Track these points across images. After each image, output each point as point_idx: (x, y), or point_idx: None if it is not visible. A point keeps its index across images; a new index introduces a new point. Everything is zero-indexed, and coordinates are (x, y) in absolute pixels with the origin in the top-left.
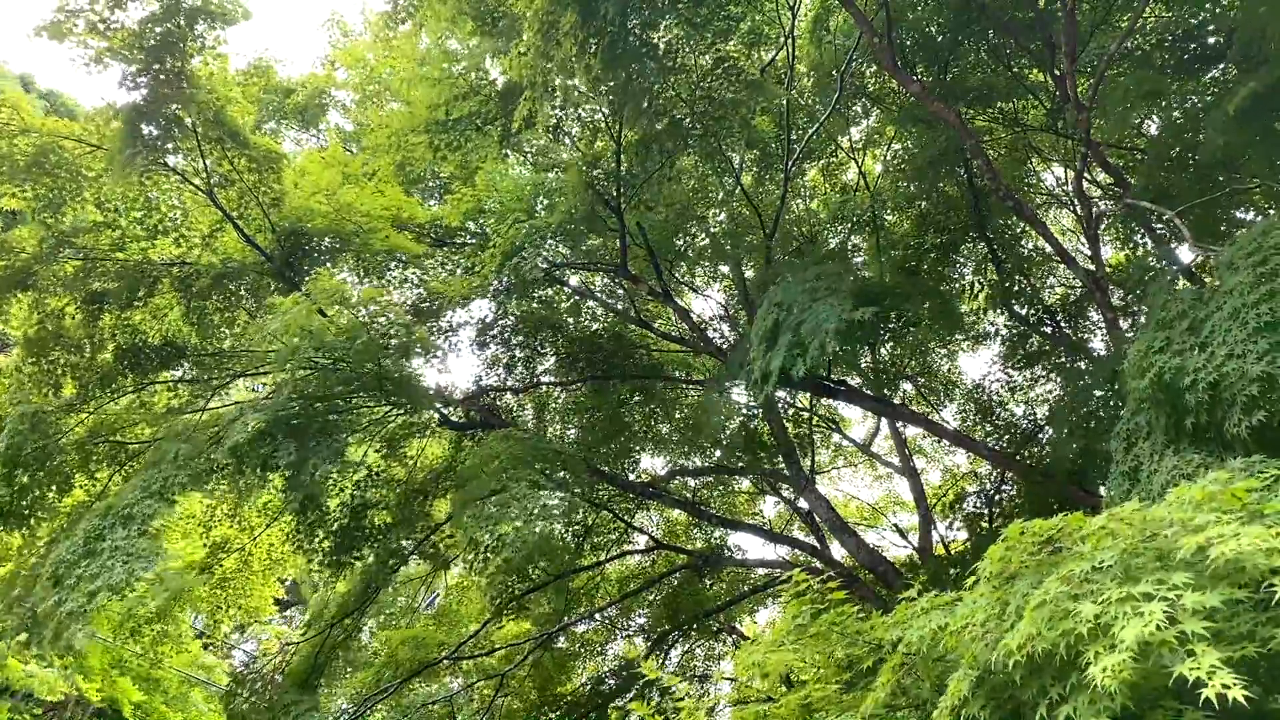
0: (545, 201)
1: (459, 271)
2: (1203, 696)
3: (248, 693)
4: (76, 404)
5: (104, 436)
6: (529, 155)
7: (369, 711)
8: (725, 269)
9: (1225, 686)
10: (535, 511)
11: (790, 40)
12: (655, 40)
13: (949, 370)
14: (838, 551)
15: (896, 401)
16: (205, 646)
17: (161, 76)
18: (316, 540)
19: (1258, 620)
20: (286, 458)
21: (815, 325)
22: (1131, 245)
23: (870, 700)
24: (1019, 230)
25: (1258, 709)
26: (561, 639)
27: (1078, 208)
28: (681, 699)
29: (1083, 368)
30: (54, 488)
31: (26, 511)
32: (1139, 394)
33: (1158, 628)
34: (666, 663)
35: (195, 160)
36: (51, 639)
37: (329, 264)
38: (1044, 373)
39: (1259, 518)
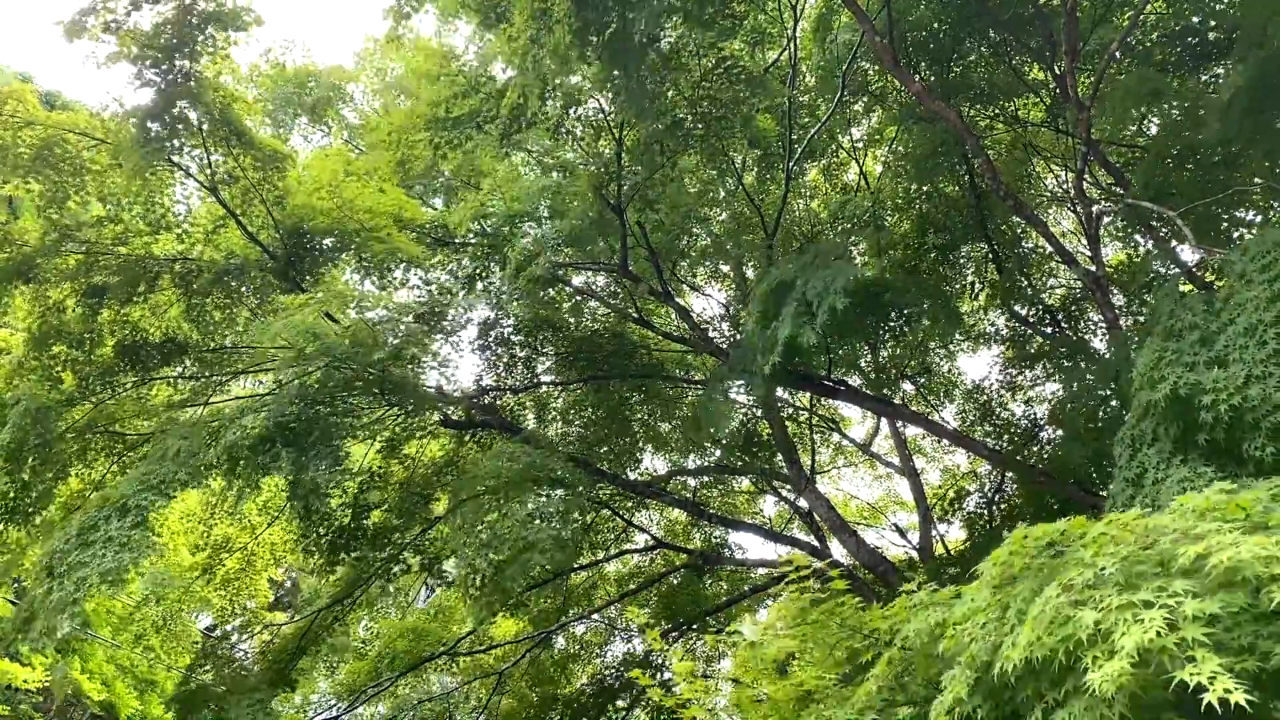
0: (549, 204)
1: (460, 274)
2: (1204, 702)
3: (213, 669)
4: (77, 397)
5: (102, 428)
6: (532, 154)
7: (366, 706)
8: (726, 268)
9: (1227, 691)
10: (533, 537)
11: (793, 39)
12: (658, 40)
13: (949, 370)
14: (838, 551)
15: (896, 401)
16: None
17: (171, 76)
18: (316, 537)
19: (1258, 633)
20: (286, 466)
21: (822, 287)
22: (1132, 245)
23: (863, 691)
24: (1019, 230)
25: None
26: (560, 639)
27: (1078, 208)
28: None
29: (1083, 368)
30: (51, 475)
31: (31, 508)
32: (1150, 405)
33: (1158, 634)
34: (667, 661)
35: (201, 158)
36: (42, 632)
37: (331, 263)
38: (1044, 373)
39: (1263, 529)
